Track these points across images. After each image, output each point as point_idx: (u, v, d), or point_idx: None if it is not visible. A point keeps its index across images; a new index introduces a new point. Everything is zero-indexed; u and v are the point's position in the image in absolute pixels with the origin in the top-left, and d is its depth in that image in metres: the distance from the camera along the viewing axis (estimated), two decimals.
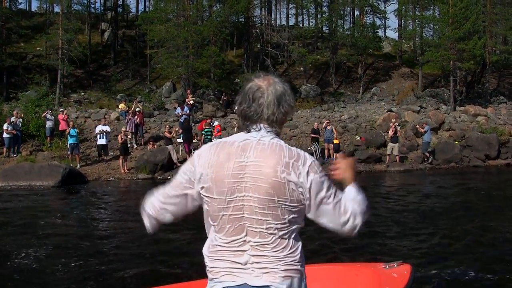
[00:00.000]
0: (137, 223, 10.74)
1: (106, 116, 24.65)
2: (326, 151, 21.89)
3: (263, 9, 43.71)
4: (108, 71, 38.68)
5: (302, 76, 38.90)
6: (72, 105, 30.85)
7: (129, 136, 21.39)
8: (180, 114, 23.48)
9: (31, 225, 10.56)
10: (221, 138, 17.46)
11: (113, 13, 43.86)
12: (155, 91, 34.96)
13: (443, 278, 6.40)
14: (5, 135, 20.27)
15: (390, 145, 21.63)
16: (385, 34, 51.13)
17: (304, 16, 52.14)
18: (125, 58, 40.65)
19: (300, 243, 2.07)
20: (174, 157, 20.19)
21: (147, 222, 2.31)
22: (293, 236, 2.03)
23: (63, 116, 21.98)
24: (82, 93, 34.73)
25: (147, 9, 47.88)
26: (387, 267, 4.47)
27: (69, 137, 19.79)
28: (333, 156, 21.31)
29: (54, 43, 33.24)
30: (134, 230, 10.08)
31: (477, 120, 26.88)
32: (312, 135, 22.29)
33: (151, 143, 21.95)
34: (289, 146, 2.05)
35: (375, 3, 44.50)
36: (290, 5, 48.98)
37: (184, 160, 20.73)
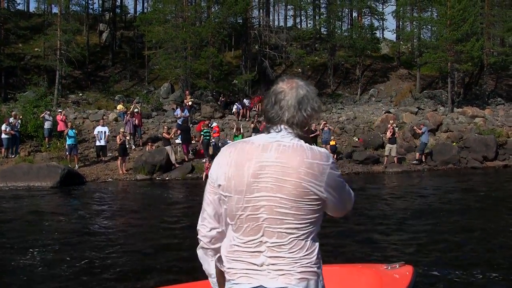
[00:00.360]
0: (136, 224, 10.77)
1: (104, 117, 24.63)
2: None
3: (261, 10, 43.74)
4: (106, 72, 38.63)
5: (300, 78, 38.77)
6: (70, 106, 30.79)
7: (127, 137, 21.38)
8: (179, 115, 23.51)
9: (30, 225, 10.56)
10: (219, 139, 17.40)
11: (111, 14, 43.83)
12: (153, 92, 34.93)
13: (445, 279, 6.42)
14: (3, 135, 20.25)
15: (388, 146, 21.68)
16: (383, 36, 51.13)
17: (302, 18, 52.39)
18: (123, 59, 40.60)
19: (317, 245, 2.06)
20: (173, 158, 20.20)
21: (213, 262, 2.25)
22: (311, 237, 2.03)
23: (62, 117, 21.96)
24: (80, 94, 34.68)
25: (145, 10, 47.95)
26: (389, 268, 4.47)
27: (67, 138, 19.80)
28: None
29: (52, 44, 33.16)
30: (134, 230, 10.09)
31: (475, 121, 26.95)
32: (311, 135, 22.32)
33: (149, 144, 21.96)
34: (310, 146, 2.05)
35: (373, 5, 44.45)
36: (288, 7, 48.95)
37: (183, 161, 20.77)
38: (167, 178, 19.35)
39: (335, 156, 20.81)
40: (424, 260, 7.23)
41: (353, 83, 39.67)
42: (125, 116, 22.59)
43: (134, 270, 7.06)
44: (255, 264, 2.00)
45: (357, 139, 24.13)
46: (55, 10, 40.25)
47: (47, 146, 21.45)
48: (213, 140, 21.67)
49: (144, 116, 25.30)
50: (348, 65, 40.67)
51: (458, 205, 12.77)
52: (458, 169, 21.60)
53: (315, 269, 2.02)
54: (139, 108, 24.19)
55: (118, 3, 46.54)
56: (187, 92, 27.54)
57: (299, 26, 50.01)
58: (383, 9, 48.02)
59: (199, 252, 2.26)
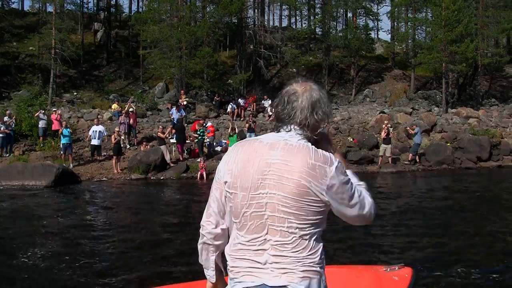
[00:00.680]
0: (131, 223, 10.77)
1: (99, 116, 24.59)
2: None
3: (256, 10, 43.65)
4: (101, 71, 38.56)
5: (295, 78, 38.82)
6: (64, 105, 30.69)
7: (122, 137, 21.36)
8: (174, 115, 23.47)
9: (24, 224, 10.53)
10: (213, 138, 17.34)
11: (106, 13, 43.76)
12: (148, 92, 34.87)
13: (444, 281, 6.43)
14: None
15: (382, 146, 21.74)
16: (377, 36, 51.34)
17: (297, 18, 52.26)
18: (118, 58, 40.51)
19: (321, 245, 2.08)
20: (167, 157, 20.18)
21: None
22: (314, 237, 2.04)
23: (56, 116, 21.91)
24: (75, 93, 34.58)
25: (140, 10, 47.81)
26: (388, 270, 4.45)
27: (62, 137, 19.75)
28: None
29: (47, 43, 33.07)
30: (128, 228, 10.10)
31: (469, 122, 27.07)
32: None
33: (144, 143, 21.94)
34: (315, 148, 2.06)
35: (368, 5, 44.55)
36: (283, 7, 49.00)
37: (177, 160, 20.76)
38: (161, 178, 19.33)
39: None
40: (423, 261, 7.25)
41: (347, 83, 39.74)
42: (120, 116, 22.54)
43: (132, 269, 7.07)
44: (258, 262, 2.02)
45: (351, 139, 24.17)
46: (49, 9, 40.11)
47: (42, 145, 21.38)
48: (207, 139, 21.69)
49: (139, 116, 25.27)
50: (343, 66, 40.75)
51: (453, 206, 12.85)
52: (452, 170, 21.69)
53: (318, 268, 2.04)
54: (134, 108, 24.16)
55: (113, 2, 46.45)
56: (182, 91, 27.51)
57: (294, 26, 50.03)
58: (378, 9, 48.25)
59: (200, 246, 2.27)
